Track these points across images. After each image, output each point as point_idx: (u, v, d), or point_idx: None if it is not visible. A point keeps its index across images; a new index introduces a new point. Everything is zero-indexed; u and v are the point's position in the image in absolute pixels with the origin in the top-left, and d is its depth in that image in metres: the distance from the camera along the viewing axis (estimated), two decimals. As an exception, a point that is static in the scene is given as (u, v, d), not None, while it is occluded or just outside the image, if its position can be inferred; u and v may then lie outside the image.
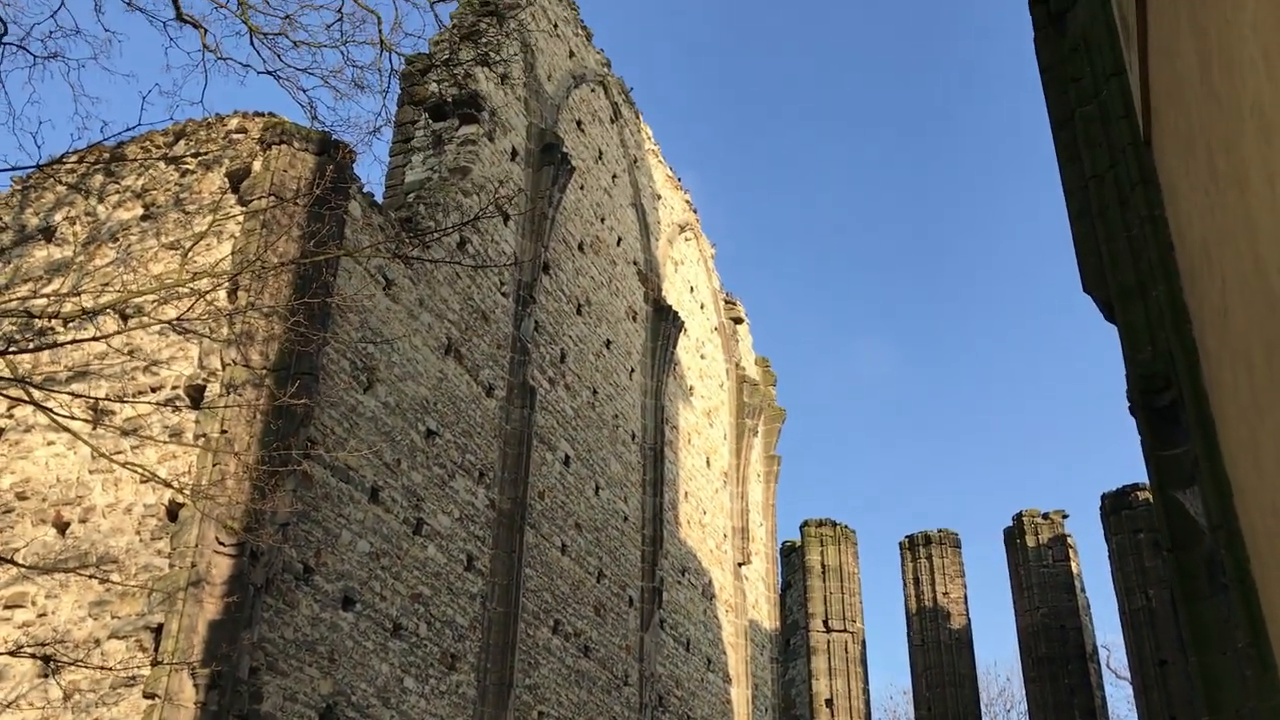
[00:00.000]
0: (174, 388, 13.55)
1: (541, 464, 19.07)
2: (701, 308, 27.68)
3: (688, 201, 27.96)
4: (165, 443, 12.76)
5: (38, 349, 12.58)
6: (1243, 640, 6.43)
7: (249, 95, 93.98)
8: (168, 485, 11.48)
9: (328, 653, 13.56)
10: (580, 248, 22.10)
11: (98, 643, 12.20)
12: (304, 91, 12.95)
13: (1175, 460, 7.38)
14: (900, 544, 33.05)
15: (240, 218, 14.33)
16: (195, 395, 13.38)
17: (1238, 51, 3.74)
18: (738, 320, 29.35)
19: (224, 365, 13.29)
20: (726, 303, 29.06)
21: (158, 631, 11.99)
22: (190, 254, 12.81)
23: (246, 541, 12.19)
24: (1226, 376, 5.71)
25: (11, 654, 11.40)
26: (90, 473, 13.35)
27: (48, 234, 15.53)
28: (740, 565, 26.02)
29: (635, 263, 24.44)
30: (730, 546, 26.01)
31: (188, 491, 12.17)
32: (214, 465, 12.58)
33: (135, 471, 11.30)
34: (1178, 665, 26.75)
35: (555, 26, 22.72)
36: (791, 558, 31.57)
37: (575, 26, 23.71)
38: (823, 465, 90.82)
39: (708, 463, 25.97)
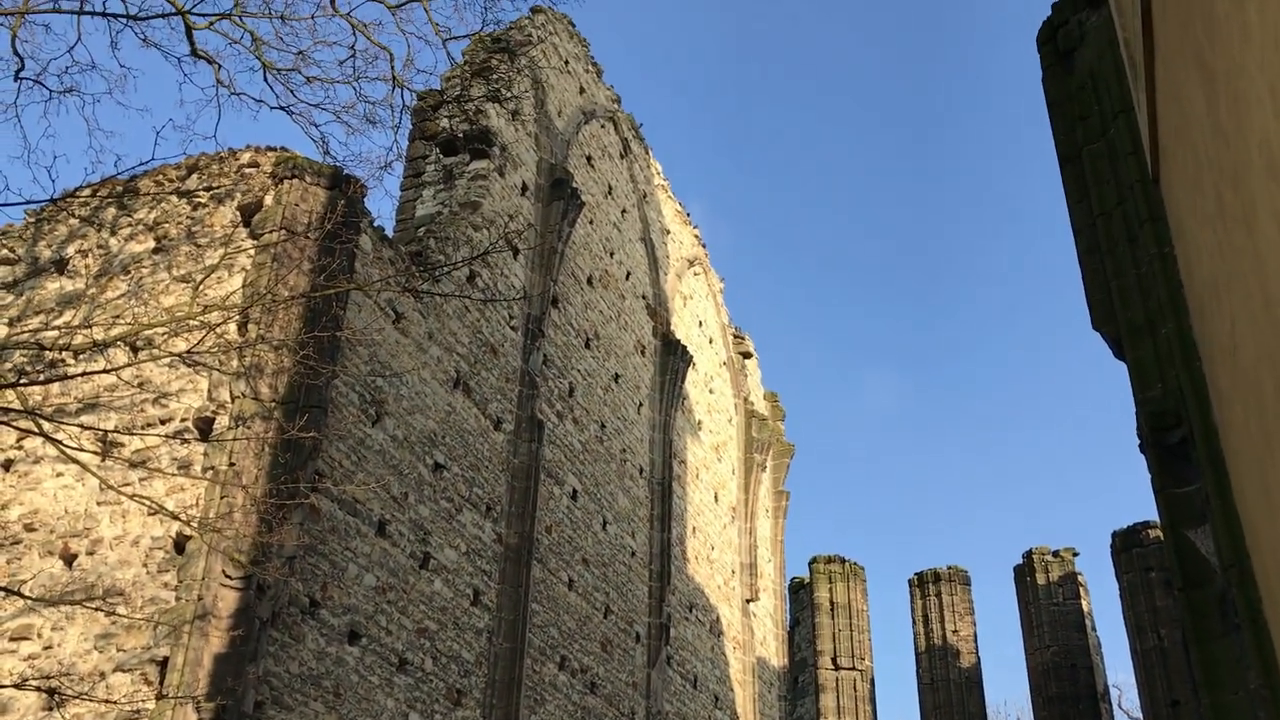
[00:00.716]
0: (183, 420, 13.57)
1: (549, 498, 19.03)
2: (710, 342, 27.69)
3: (696, 236, 28.04)
4: (173, 475, 12.76)
5: (48, 381, 12.61)
6: (1255, 681, 6.36)
7: (262, 130, 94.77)
8: (175, 518, 11.48)
9: (333, 687, 13.48)
10: (589, 282, 22.15)
11: (103, 676, 12.16)
12: (316, 127, 13.07)
13: (1186, 498, 7.33)
14: (909, 581, 32.83)
15: (251, 251, 14.40)
16: (204, 428, 13.39)
17: (1245, 89, 3.76)
18: (746, 355, 29.34)
19: (233, 398, 13.31)
20: (735, 337, 29.06)
21: (163, 665, 11.94)
22: (201, 287, 12.86)
23: (253, 575, 12.16)
24: (1237, 414, 5.68)
25: (17, 686, 11.35)
26: (98, 505, 13.34)
27: (60, 266, 15.63)
28: (748, 602, 25.85)
29: (644, 297, 24.49)
30: (738, 583, 25.86)
31: (195, 524, 12.16)
32: (221, 498, 12.57)
33: (143, 504, 11.30)
34: (1190, 706, 26.44)
35: (566, 63, 22.89)
36: (800, 594, 31.37)
37: (586, 63, 23.89)
38: (832, 500, 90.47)
39: (716, 498, 25.89)
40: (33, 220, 16.21)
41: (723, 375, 27.98)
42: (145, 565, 12.74)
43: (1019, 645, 31.72)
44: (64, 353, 12.34)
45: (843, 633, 29.65)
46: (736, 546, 26.27)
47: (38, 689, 11.40)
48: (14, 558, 13.44)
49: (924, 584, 32.35)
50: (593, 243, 22.58)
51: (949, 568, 32.61)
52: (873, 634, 30.74)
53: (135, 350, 13.83)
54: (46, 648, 12.59)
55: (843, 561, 30.77)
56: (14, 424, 11.14)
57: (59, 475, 13.71)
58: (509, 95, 19.75)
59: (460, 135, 18.97)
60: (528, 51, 21.00)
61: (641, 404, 23.36)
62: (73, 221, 15.63)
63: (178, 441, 13.22)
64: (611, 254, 23.37)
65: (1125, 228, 8.39)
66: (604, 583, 20.35)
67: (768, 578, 27.22)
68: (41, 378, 13.22)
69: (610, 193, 23.95)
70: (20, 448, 14.09)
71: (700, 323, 27.40)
